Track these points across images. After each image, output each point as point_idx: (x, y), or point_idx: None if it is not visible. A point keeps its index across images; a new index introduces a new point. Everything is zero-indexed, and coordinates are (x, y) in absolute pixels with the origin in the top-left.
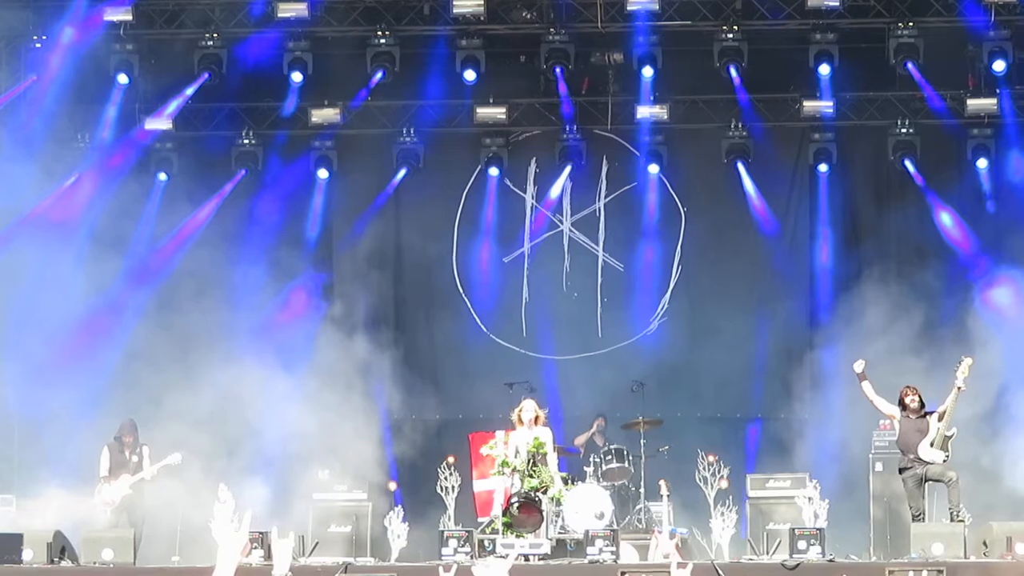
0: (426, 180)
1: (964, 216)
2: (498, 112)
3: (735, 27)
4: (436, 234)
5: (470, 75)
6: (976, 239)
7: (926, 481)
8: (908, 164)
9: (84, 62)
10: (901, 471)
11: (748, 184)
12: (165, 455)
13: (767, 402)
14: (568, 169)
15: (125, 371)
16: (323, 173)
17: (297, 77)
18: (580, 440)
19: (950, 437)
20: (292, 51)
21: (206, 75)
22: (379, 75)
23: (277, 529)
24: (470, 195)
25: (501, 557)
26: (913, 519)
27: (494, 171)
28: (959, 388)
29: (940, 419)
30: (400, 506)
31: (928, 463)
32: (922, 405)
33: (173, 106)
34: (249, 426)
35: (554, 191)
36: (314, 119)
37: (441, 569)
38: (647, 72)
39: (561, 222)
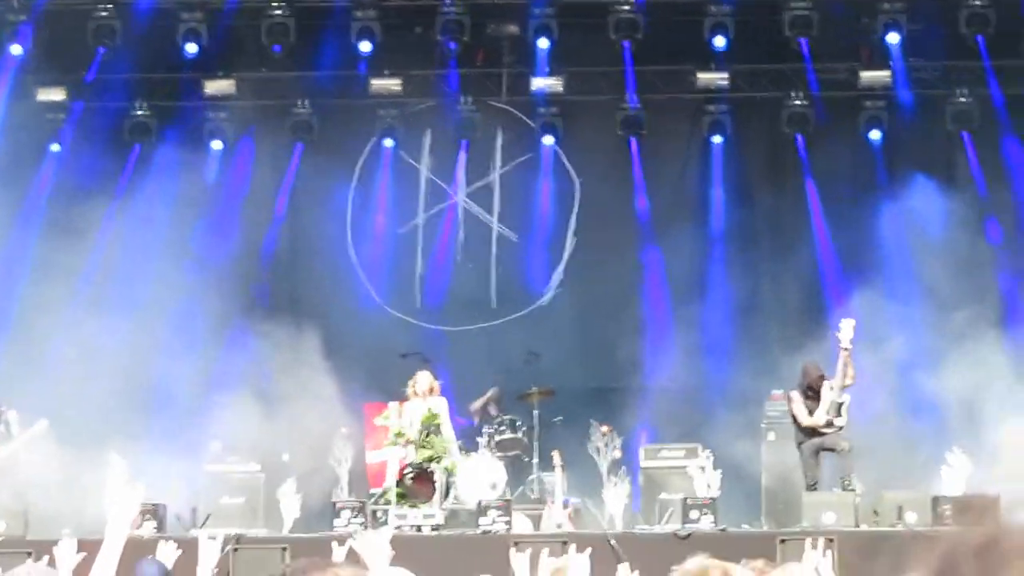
0: (320, 151)
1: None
2: (393, 84)
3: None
4: (330, 205)
5: (365, 46)
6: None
7: (822, 451)
8: (797, 139)
9: None
10: (798, 444)
11: (636, 162)
12: (33, 421)
13: (659, 371)
14: (463, 142)
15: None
16: (217, 144)
17: (192, 48)
18: (474, 407)
19: (842, 404)
20: (187, 22)
21: (100, 50)
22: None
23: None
24: (364, 167)
25: (380, 527)
26: (807, 488)
27: (388, 142)
28: (845, 350)
29: (833, 387)
30: (293, 478)
31: (824, 432)
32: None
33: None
34: (140, 393)
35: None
36: (208, 91)
37: (335, 543)
38: (542, 44)
39: (455, 193)
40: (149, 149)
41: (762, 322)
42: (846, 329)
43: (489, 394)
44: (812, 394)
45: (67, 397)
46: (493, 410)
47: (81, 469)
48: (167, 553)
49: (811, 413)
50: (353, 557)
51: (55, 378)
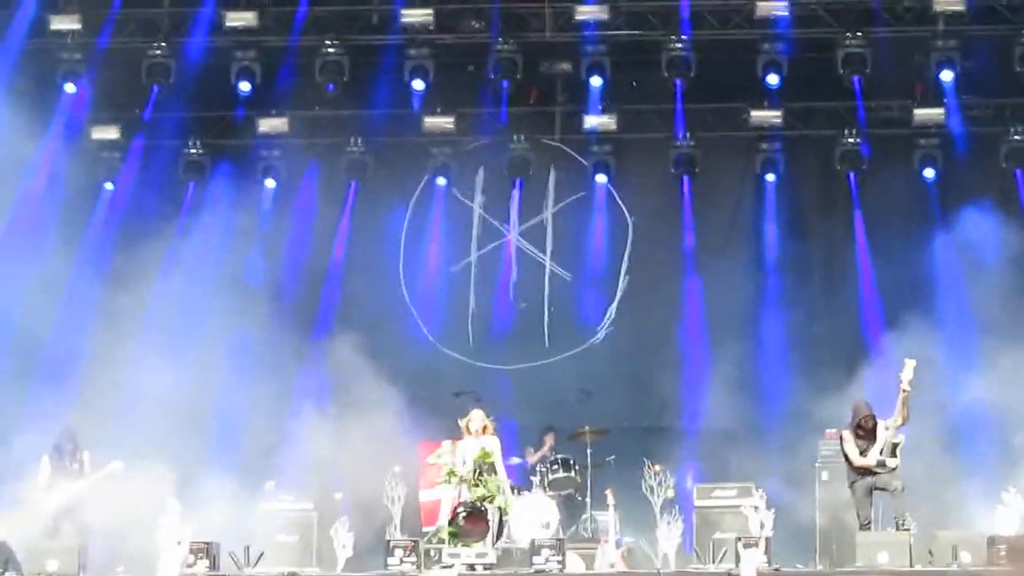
0: (373, 189)
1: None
2: (446, 122)
3: (683, 37)
4: (383, 243)
5: (418, 85)
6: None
7: (875, 490)
8: (850, 177)
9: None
10: (851, 484)
11: (688, 200)
12: (107, 462)
13: (713, 411)
14: (517, 180)
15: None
16: (270, 183)
17: (245, 87)
18: (533, 459)
19: (898, 444)
20: (240, 60)
21: (155, 89)
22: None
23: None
24: (417, 205)
25: (446, 567)
26: (860, 528)
27: (442, 181)
28: (905, 391)
29: (888, 427)
30: (346, 516)
31: (877, 472)
32: (875, 427)
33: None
34: (197, 433)
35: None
36: (262, 128)
37: None
38: (595, 82)
39: (508, 231)
40: (203, 187)
41: (814, 357)
42: (908, 369)
43: (548, 444)
44: (863, 433)
45: (134, 438)
46: (548, 451)
47: (140, 510)
48: None
49: (863, 452)
50: None
51: (124, 420)
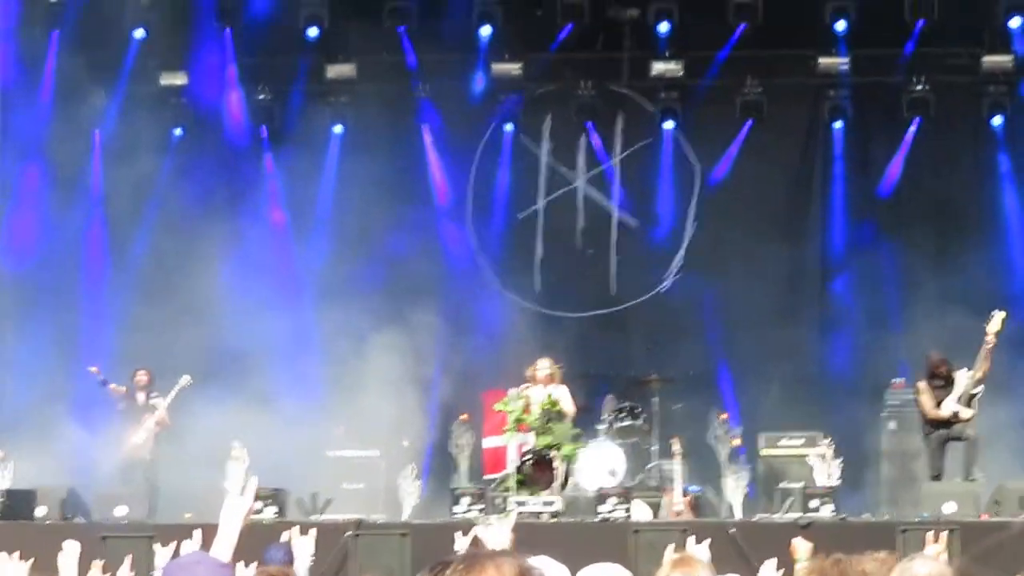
0: (440, 136)
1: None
2: (513, 68)
3: None
4: (450, 190)
5: (486, 30)
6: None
7: (949, 440)
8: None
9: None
10: (926, 435)
11: (757, 145)
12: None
13: (780, 357)
14: (587, 125)
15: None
16: (338, 129)
17: (313, 32)
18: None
19: (976, 395)
20: (308, 6)
21: (228, 30)
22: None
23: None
24: (484, 151)
25: (504, 515)
26: (931, 478)
27: (508, 127)
28: (990, 344)
29: (970, 377)
30: (413, 464)
31: (952, 423)
32: (950, 374)
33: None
34: (262, 379)
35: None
36: (329, 75)
37: (459, 534)
38: (663, 27)
39: (576, 179)
40: (273, 133)
41: (880, 304)
42: (996, 320)
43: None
44: (939, 383)
45: (203, 385)
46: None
47: (208, 455)
48: (298, 541)
49: (938, 404)
50: (476, 544)
51: (194, 366)
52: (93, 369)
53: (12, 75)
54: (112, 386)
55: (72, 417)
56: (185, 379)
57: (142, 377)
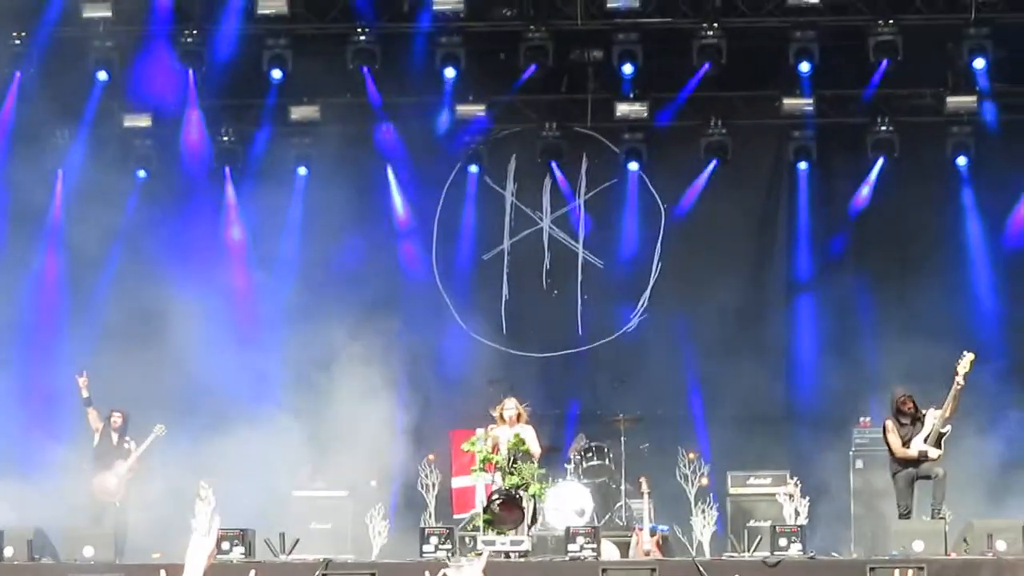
0: (405, 177)
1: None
2: (477, 109)
3: (715, 24)
4: (415, 231)
5: (450, 72)
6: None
7: (917, 479)
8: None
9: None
10: (894, 474)
11: (722, 186)
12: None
13: (747, 398)
14: (550, 164)
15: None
16: (302, 171)
17: (277, 74)
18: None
19: (944, 434)
20: (272, 48)
21: (191, 72)
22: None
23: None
24: (449, 192)
25: (476, 554)
26: (900, 517)
27: (473, 168)
28: (959, 385)
29: (938, 417)
30: (380, 504)
31: (920, 461)
32: (916, 410)
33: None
34: (227, 420)
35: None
36: (293, 116)
37: (427, 574)
38: (627, 69)
39: (541, 219)
40: (237, 174)
41: (846, 339)
42: (964, 362)
43: (577, 445)
44: (904, 419)
45: (169, 426)
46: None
47: (176, 495)
48: None
49: (905, 442)
50: None
51: (160, 407)
52: (82, 380)
53: None
54: (92, 411)
55: (36, 456)
56: (159, 428)
57: (117, 419)
